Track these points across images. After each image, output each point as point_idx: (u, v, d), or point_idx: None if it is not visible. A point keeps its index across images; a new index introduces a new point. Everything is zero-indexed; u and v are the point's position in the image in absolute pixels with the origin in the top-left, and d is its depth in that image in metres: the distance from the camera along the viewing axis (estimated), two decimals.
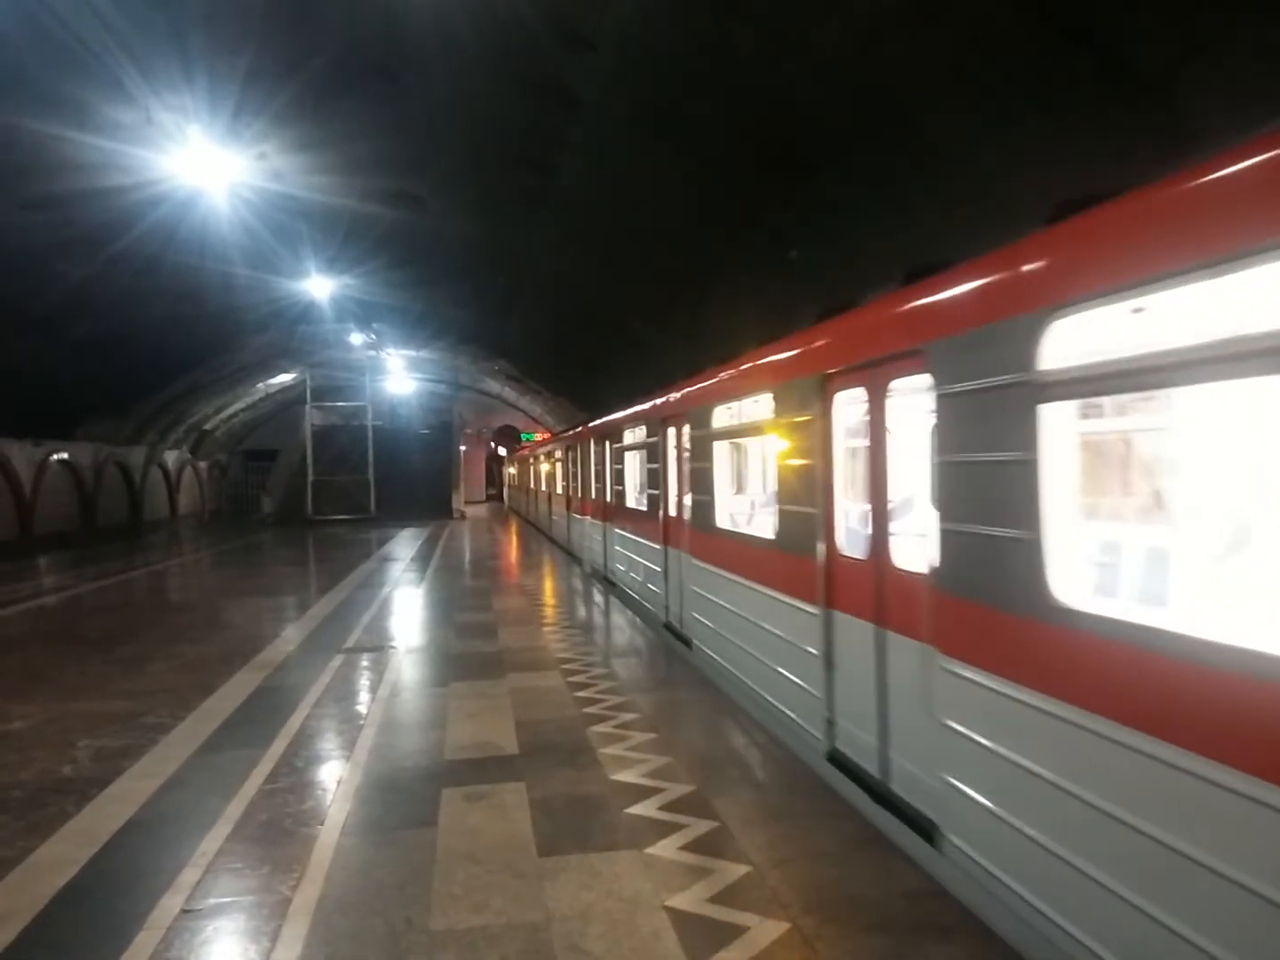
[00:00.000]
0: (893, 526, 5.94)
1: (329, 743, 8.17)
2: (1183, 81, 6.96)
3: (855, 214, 11.77)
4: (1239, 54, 6.46)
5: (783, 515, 7.64)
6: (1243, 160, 3.15)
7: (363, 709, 9.16)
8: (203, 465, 48.19)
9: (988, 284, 4.68)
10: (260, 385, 44.93)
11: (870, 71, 9.22)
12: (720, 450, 9.99)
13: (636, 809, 6.24)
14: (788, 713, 7.50)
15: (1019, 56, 7.90)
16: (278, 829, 6.12)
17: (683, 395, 11.47)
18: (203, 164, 14.84)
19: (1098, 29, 7.14)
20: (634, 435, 14.94)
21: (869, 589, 6.03)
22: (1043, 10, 7.33)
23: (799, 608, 7.17)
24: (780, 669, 7.62)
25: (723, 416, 9.83)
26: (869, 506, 6.09)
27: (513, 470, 51.83)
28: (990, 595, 4.52)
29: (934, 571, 5.10)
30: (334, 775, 7.20)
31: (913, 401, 5.64)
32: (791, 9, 9.08)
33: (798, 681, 7.24)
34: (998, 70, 8.15)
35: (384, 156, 15.72)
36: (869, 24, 8.65)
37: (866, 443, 6.14)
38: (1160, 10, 6.61)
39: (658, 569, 13.00)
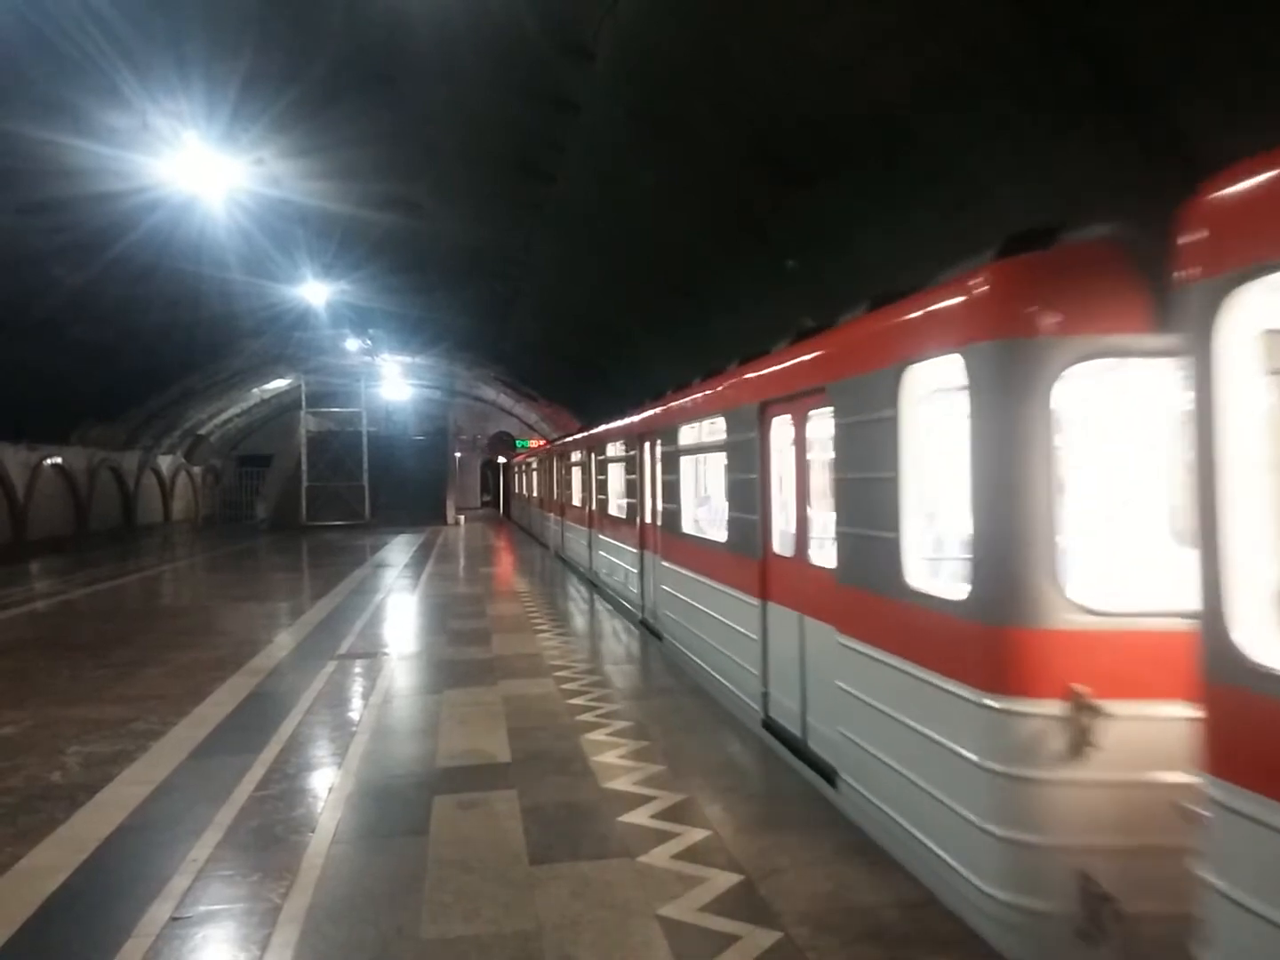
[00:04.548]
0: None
1: (321, 749, 8.14)
2: (1178, 94, 6.98)
3: (852, 223, 11.78)
4: (1235, 67, 6.48)
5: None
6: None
7: (355, 715, 9.14)
8: (197, 470, 48.07)
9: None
10: (255, 391, 44.89)
11: (868, 80, 9.24)
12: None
13: (628, 817, 6.23)
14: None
15: (1016, 66, 7.92)
16: (269, 836, 6.09)
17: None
18: (199, 169, 14.82)
19: (1095, 40, 7.16)
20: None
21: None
22: (1040, 20, 7.35)
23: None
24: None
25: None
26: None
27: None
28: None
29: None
30: (326, 782, 7.17)
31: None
32: (790, 17, 9.10)
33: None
34: (995, 80, 8.16)
35: (382, 162, 15.71)
36: (867, 33, 8.67)
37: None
38: (1157, 22, 6.63)
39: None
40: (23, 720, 9.19)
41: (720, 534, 9.47)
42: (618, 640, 13.32)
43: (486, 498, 64.99)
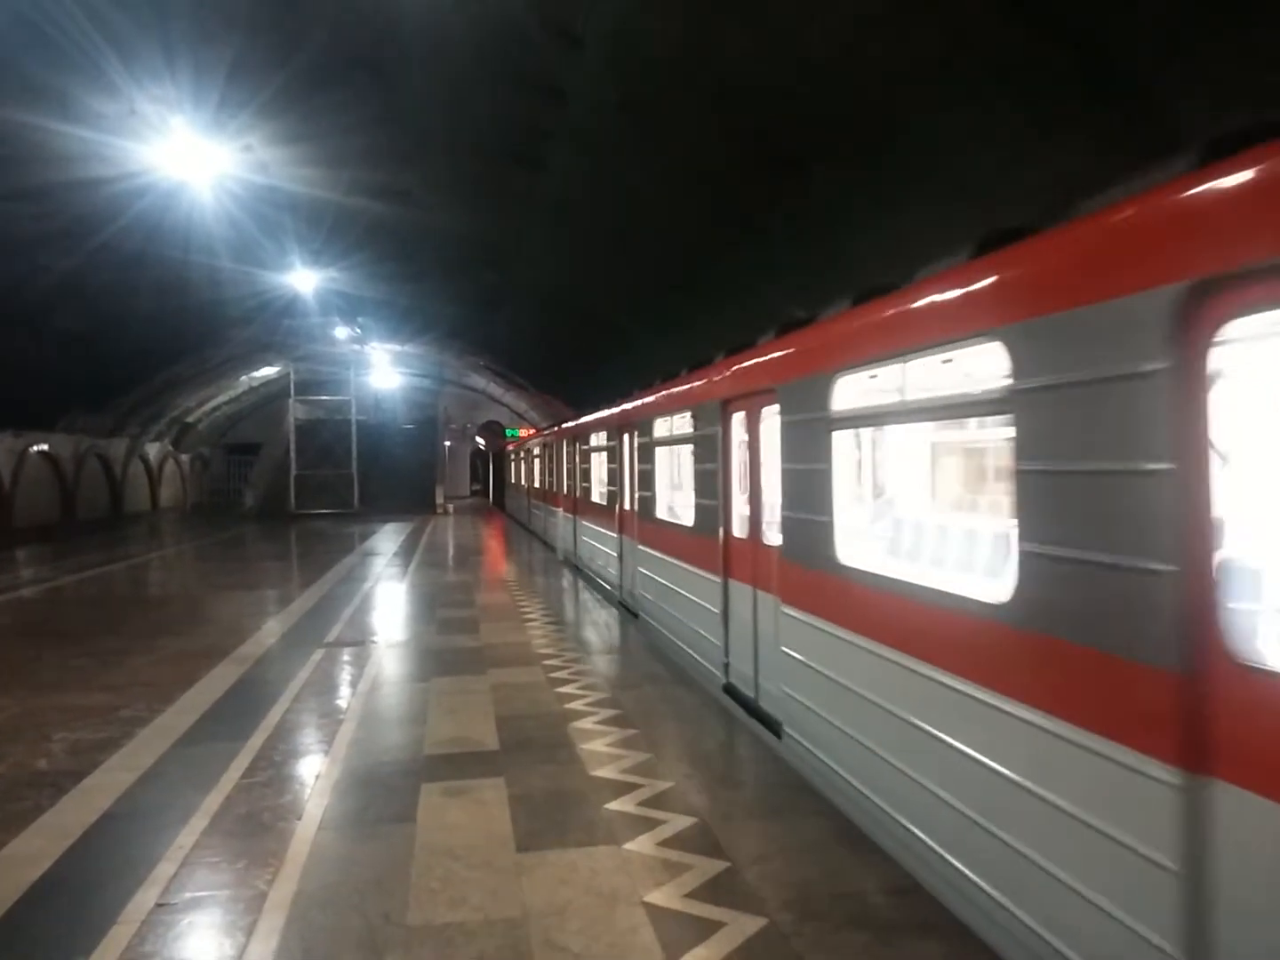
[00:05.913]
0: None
1: (308, 737, 8.13)
2: (1166, 82, 6.99)
3: (842, 215, 11.79)
4: (1222, 56, 6.50)
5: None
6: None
7: (343, 703, 9.13)
8: (185, 458, 47.96)
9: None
10: (244, 378, 44.79)
11: (857, 71, 9.24)
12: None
13: (616, 805, 6.24)
14: None
15: (1006, 57, 7.92)
16: (255, 823, 6.08)
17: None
18: (187, 156, 14.76)
19: (1085, 33, 7.17)
20: None
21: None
22: (1028, 11, 7.36)
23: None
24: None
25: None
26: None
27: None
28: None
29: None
30: (312, 770, 7.16)
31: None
32: (780, 7, 9.09)
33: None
34: (984, 70, 8.17)
35: (371, 150, 15.65)
36: (856, 23, 8.66)
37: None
38: (1144, 12, 6.64)
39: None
40: (8, 707, 9.16)
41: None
42: (609, 631, 13.28)
43: (476, 486, 65.00)
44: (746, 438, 8.68)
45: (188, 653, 11.64)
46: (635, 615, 13.72)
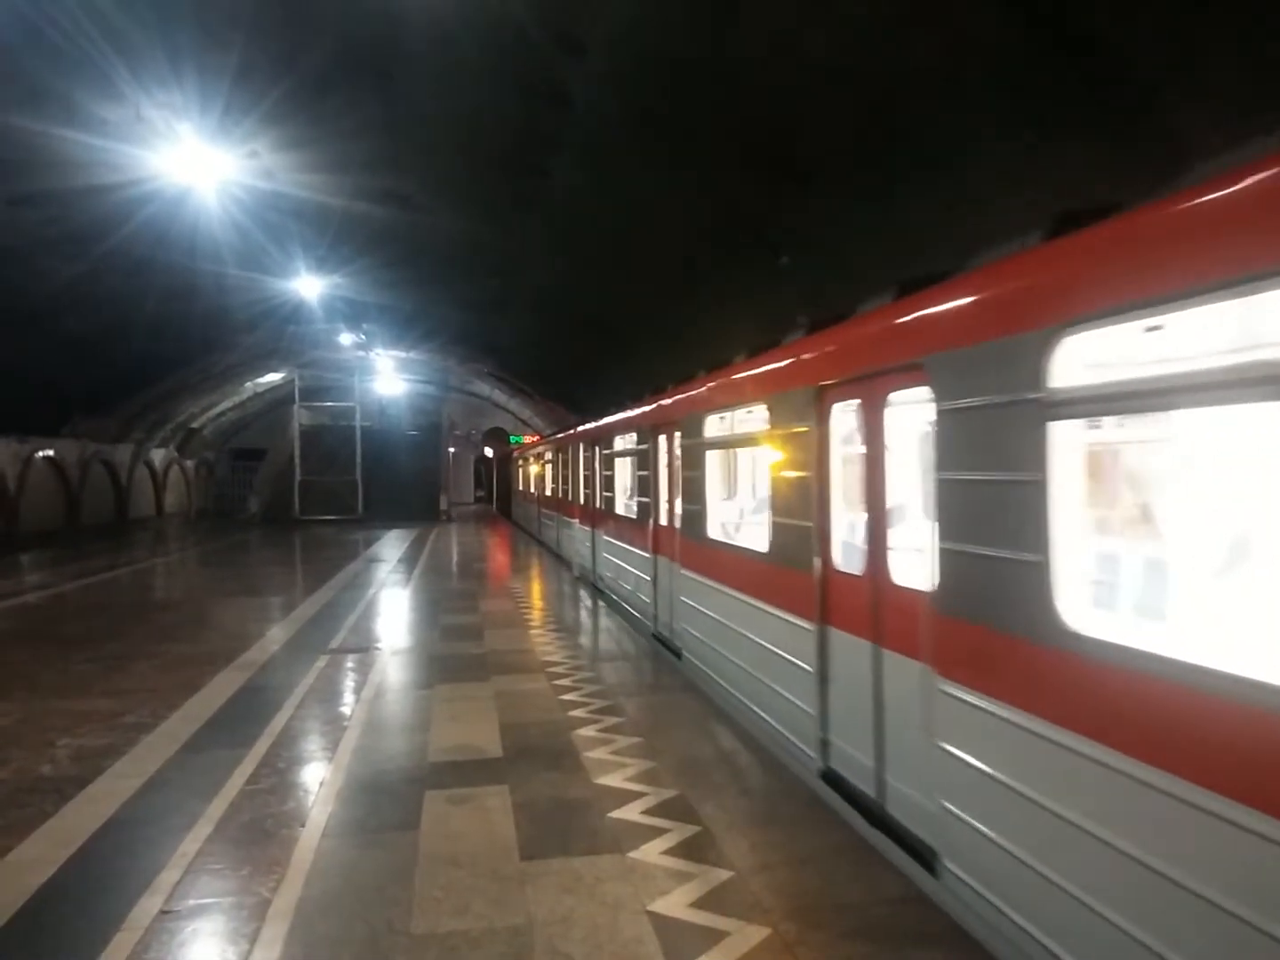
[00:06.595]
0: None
1: (312, 744, 8.13)
2: (1173, 93, 6.99)
3: (846, 222, 11.80)
4: (1230, 67, 6.49)
5: None
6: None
7: (347, 710, 9.12)
8: (189, 464, 47.98)
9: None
10: (249, 384, 44.80)
11: (864, 79, 9.25)
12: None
13: (620, 813, 6.23)
14: None
15: (1012, 66, 7.93)
16: (259, 830, 6.08)
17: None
18: (193, 162, 14.77)
19: (1090, 40, 7.17)
20: None
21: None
22: (1034, 20, 7.36)
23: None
24: None
25: None
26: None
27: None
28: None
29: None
30: (316, 777, 7.16)
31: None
32: (785, 15, 9.10)
33: None
34: (991, 80, 8.18)
35: (375, 156, 15.67)
36: (862, 31, 8.67)
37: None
38: (1152, 22, 6.64)
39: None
40: (12, 713, 9.16)
41: None
42: (612, 639, 13.25)
43: (480, 493, 65.07)
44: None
45: (191, 659, 11.65)
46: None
